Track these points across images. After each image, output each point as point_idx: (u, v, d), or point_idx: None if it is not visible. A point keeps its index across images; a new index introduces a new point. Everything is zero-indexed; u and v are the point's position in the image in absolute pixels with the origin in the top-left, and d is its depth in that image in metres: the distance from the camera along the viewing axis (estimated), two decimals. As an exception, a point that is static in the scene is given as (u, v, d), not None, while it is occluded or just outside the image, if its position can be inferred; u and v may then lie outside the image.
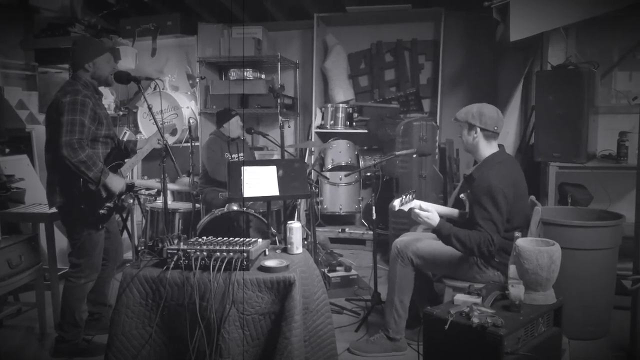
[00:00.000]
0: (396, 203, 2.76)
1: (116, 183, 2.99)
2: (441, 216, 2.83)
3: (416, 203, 2.84)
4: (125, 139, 4.40)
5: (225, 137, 4.59)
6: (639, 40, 2.69)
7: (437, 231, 2.77)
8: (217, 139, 4.60)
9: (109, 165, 3.02)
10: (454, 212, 3.13)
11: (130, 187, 3.18)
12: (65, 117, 2.82)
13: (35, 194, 4.34)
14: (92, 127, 2.91)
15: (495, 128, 2.82)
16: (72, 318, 3.06)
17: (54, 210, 3.15)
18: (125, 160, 3.19)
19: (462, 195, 2.99)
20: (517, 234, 2.48)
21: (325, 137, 5.74)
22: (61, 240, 3.94)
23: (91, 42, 3.15)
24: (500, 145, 2.95)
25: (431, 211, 2.78)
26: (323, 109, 5.71)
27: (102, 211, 2.99)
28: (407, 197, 2.81)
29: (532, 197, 3.02)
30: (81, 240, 3.02)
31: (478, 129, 2.83)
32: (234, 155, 4.59)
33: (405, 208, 2.81)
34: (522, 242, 2.33)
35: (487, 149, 2.86)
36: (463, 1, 5.31)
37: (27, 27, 5.23)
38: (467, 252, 2.72)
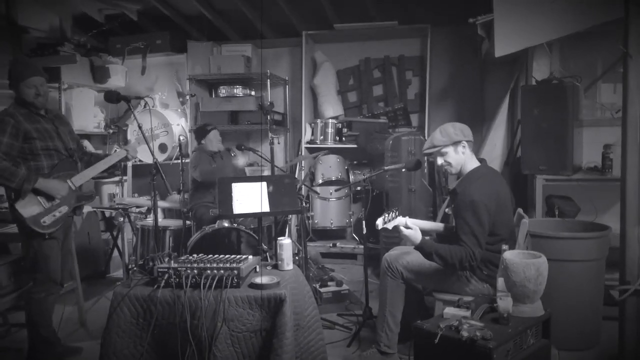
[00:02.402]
0: (379, 222, 2.79)
1: (54, 186, 3.03)
2: (428, 232, 2.86)
3: (402, 220, 2.87)
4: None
5: (209, 152, 4.61)
6: (622, 53, 2.77)
7: (420, 248, 2.81)
8: (202, 152, 4.62)
9: (56, 175, 3.07)
10: (440, 226, 3.16)
11: (86, 198, 3.23)
12: None
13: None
14: (15, 143, 2.96)
15: (472, 137, 2.92)
16: (38, 335, 3.05)
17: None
18: (82, 171, 3.22)
19: (447, 210, 3.03)
20: (504, 246, 2.51)
21: (315, 152, 5.77)
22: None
23: (17, 66, 3.16)
24: (482, 160, 2.99)
25: (414, 229, 2.82)
26: (312, 124, 5.75)
27: (43, 221, 3.00)
28: (390, 215, 2.85)
29: (520, 210, 3.06)
30: (30, 253, 3.03)
31: (465, 142, 2.87)
32: None
33: (389, 226, 2.83)
34: (509, 255, 2.36)
35: (471, 162, 2.92)
36: (449, 18, 5.40)
37: (16, 46, 5.23)
38: (449, 267, 2.76)
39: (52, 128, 3.14)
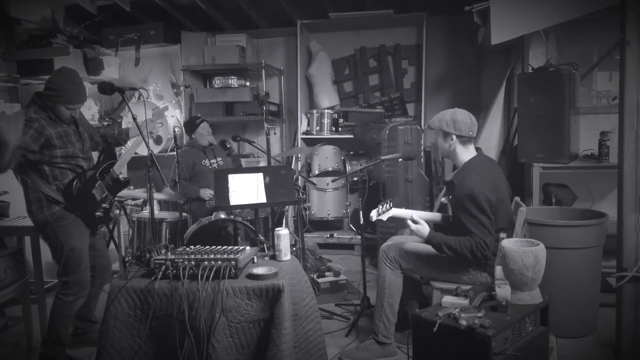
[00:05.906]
0: (373, 214, 2.81)
1: None
2: (427, 222, 2.86)
3: (407, 214, 2.88)
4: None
5: (199, 146, 4.55)
6: (618, 41, 2.76)
7: (429, 241, 2.82)
8: (191, 149, 4.55)
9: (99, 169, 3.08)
10: (437, 216, 3.16)
11: (123, 184, 3.26)
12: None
13: (20, 207, 4.28)
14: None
15: (470, 133, 2.85)
16: (56, 335, 3.03)
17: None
18: (120, 158, 3.24)
19: (443, 199, 3.02)
20: (502, 235, 2.51)
21: (311, 143, 5.76)
22: (47, 254, 3.88)
23: (73, 92, 2.99)
24: (478, 149, 2.98)
25: (421, 223, 2.82)
26: (308, 115, 5.73)
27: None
28: (384, 206, 2.85)
29: (517, 198, 3.06)
30: (63, 257, 3.00)
31: (454, 136, 2.84)
32: (212, 161, 4.54)
33: (384, 217, 2.85)
34: (507, 243, 2.35)
35: (465, 154, 2.88)
36: (444, 6, 5.37)
37: (8, 38, 5.18)
38: (460, 258, 2.76)
39: (74, 131, 3.09)
